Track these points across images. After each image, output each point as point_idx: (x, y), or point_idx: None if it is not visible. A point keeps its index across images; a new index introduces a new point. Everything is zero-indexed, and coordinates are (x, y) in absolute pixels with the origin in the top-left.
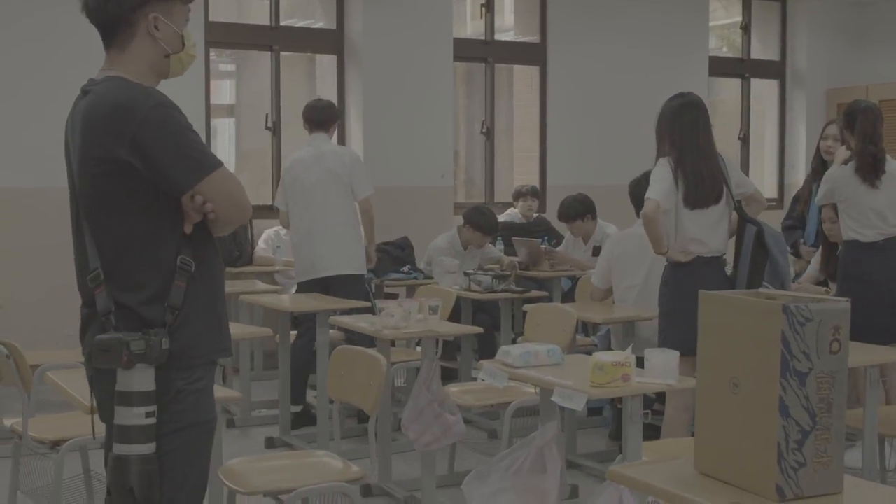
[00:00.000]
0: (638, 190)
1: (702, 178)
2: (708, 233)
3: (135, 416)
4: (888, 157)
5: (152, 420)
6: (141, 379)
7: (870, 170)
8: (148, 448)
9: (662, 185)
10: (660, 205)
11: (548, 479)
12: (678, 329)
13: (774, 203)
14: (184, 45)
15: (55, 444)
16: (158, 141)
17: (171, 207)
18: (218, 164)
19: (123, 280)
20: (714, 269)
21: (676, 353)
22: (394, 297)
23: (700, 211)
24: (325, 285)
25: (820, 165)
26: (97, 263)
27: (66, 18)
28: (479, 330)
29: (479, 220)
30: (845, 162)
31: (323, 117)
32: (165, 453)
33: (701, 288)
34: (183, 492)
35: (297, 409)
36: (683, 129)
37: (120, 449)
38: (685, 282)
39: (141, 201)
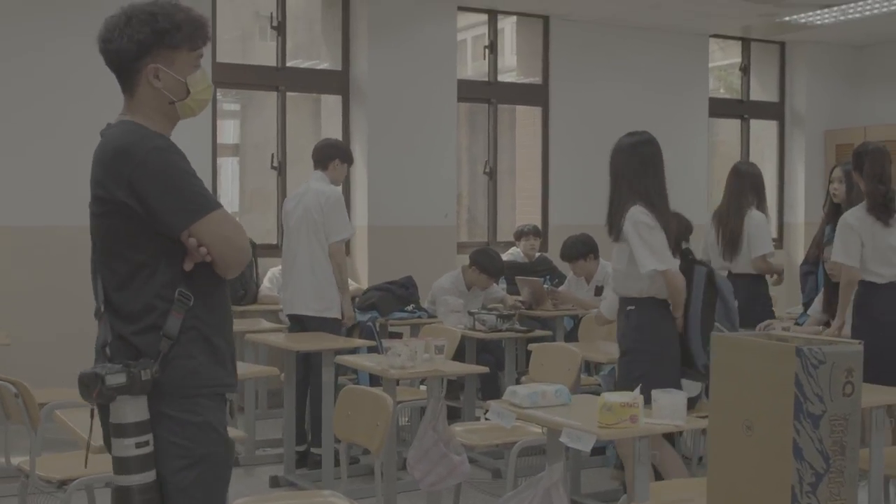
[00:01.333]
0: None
1: (670, 221)
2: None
3: (126, 447)
4: None
5: (147, 449)
6: (131, 410)
7: (882, 209)
8: (147, 477)
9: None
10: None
11: None
12: (640, 366)
13: (775, 243)
14: (189, 91)
15: (62, 484)
16: (153, 183)
17: (168, 244)
18: (213, 207)
19: (121, 311)
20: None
21: (684, 394)
22: (398, 335)
23: None
24: (301, 323)
25: (832, 209)
26: (101, 298)
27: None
28: (485, 369)
29: (486, 263)
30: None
31: (319, 156)
32: (176, 486)
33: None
34: None
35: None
36: (647, 168)
37: (120, 480)
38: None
39: (140, 239)
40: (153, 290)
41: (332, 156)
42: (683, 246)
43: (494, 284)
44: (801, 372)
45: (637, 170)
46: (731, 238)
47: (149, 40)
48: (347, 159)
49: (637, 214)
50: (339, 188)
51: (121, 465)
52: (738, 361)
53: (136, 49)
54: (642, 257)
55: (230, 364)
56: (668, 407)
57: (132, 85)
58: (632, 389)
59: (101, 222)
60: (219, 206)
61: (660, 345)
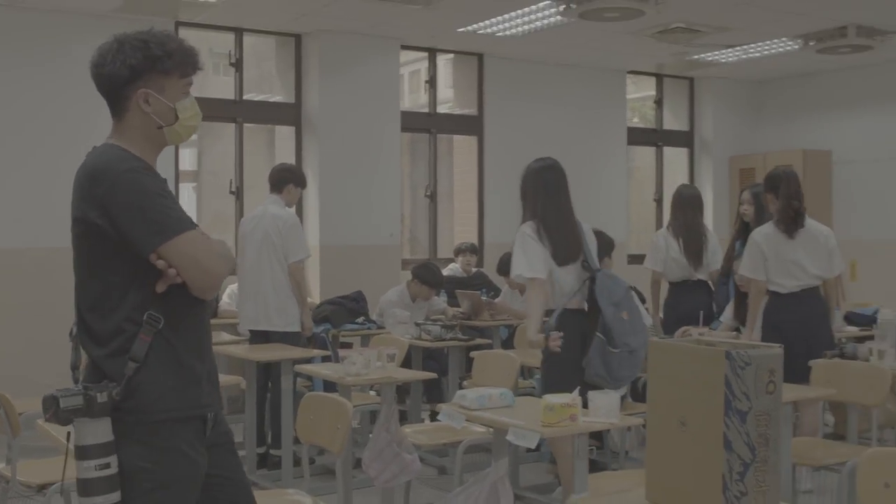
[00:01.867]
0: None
1: (564, 237)
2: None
3: (86, 469)
4: (806, 216)
5: (109, 471)
6: (91, 432)
7: (790, 222)
8: (110, 499)
9: (535, 258)
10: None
11: None
12: (558, 370)
13: None
14: (177, 117)
15: (41, 488)
16: (123, 204)
17: (141, 266)
18: (183, 228)
19: (92, 332)
20: (580, 319)
21: (618, 395)
22: (349, 346)
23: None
24: (266, 337)
25: (742, 227)
26: (75, 319)
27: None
28: (433, 375)
29: (426, 276)
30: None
31: (275, 180)
32: None
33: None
34: None
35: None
36: (549, 190)
37: (84, 501)
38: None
39: (113, 261)
40: (124, 312)
41: (286, 180)
42: (606, 260)
43: (436, 297)
44: (729, 373)
45: (538, 191)
46: (696, 252)
47: (141, 66)
48: (301, 183)
49: (524, 228)
50: (294, 212)
51: (83, 487)
52: (672, 364)
53: (128, 73)
54: (516, 264)
55: (207, 384)
56: (604, 407)
57: (122, 109)
58: (554, 391)
59: (80, 243)
60: (191, 227)
61: (568, 352)
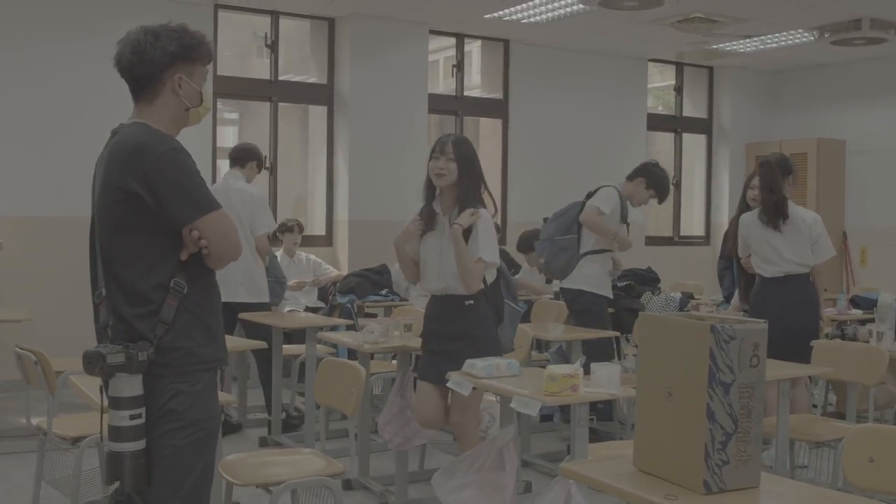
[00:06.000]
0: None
1: None
2: None
3: (121, 418)
4: (792, 204)
5: (139, 421)
6: (126, 386)
7: (772, 215)
8: (137, 445)
9: None
10: None
11: (506, 476)
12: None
13: (702, 240)
14: (202, 100)
15: (76, 441)
16: (165, 180)
17: (172, 236)
18: (216, 206)
19: (125, 294)
20: None
21: (618, 367)
22: (373, 316)
23: None
24: (230, 309)
25: (745, 209)
26: (103, 282)
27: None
28: None
29: None
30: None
31: (236, 155)
32: (172, 447)
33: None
34: (188, 481)
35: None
36: None
37: (113, 446)
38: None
39: (146, 228)
40: (154, 278)
41: (249, 157)
42: None
43: None
44: (714, 346)
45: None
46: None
47: (178, 52)
48: (261, 164)
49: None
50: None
51: (115, 434)
52: (660, 337)
53: (167, 60)
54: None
55: (221, 340)
56: (605, 378)
57: (155, 93)
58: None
59: (115, 208)
60: (219, 206)
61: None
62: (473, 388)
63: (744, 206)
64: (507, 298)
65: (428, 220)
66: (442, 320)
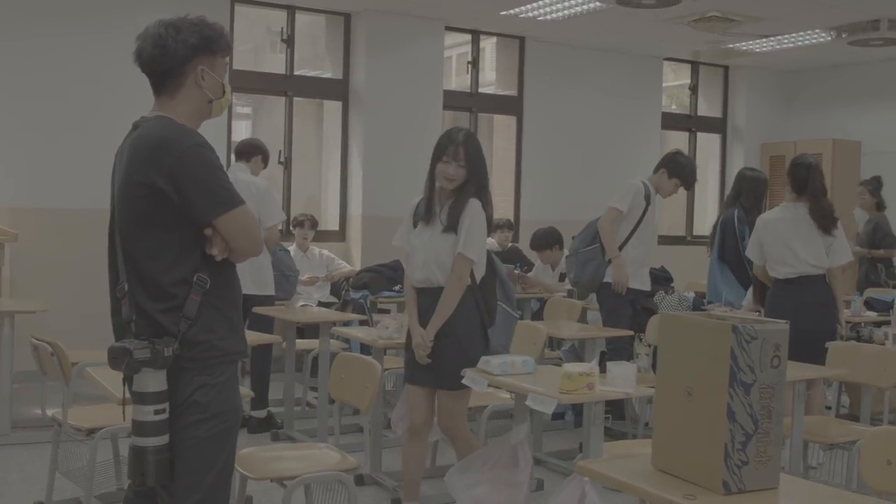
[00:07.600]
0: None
1: None
2: None
3: (145, 413)
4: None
5: (163, 416)
6: (151, 381)
7: (823, 220)
8: (161, 440)
9: None
10: None
11: (520, 473)
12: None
13: None
14: (224, 91)
15: (90, 432)
16: (189, 175)
17: (195, 231)
18: (239, 202)
19: (147, 289)
20: None
21: (634, 366)
22: (386, 311)
23: None
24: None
25: (737, 209)
26: (125, 276)
27: (115, 64)
28: None
29: None
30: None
31: (242, 149)
32: (195, 439)
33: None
34: (211, 474)
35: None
36: None
37: (138, 441)
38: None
39: (170, 222)
40: (178, 273)
41: (255, 152)
42: None
43: None
44: (735, 346)
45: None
46: None
47: (200, 45)
48: (266, 160)
49: None
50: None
51: (140, 429)
52: (681, 337)
53: (189, 52)
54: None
55: (242, 333)
56: (620, 376)
57: (177, 86)
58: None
59: (138, 203)
60: (243, 202)
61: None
62: (460, 390)
63: (731, 206)
64: (501, 301)
65: (427, 216)
66: (424, 316)
